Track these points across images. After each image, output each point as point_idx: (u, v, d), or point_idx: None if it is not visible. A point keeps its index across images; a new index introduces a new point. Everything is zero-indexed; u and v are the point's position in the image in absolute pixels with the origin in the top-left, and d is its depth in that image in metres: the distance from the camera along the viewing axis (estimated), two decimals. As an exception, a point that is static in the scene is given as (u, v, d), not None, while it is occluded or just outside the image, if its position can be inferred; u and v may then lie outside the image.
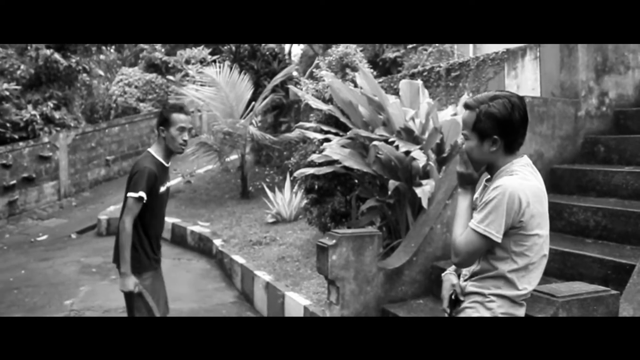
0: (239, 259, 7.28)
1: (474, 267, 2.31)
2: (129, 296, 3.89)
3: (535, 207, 2.15)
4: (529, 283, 2.22)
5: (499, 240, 2.14)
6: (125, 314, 4.63)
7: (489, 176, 2.35)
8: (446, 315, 2.39)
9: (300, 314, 5.30)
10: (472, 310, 2.27)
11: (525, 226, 2.15)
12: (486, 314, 2.23)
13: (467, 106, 2.28)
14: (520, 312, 2.27)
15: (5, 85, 12.33)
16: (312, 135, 6.70)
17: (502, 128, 2.20)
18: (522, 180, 2.16)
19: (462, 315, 2.32)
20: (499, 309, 2.22)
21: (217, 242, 8.36)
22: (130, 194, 3.70)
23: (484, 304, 2.24)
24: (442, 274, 2.52)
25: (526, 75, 6.75)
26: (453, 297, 2.38)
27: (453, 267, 2.51)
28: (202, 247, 8.88)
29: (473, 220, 2.20)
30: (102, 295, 6.78)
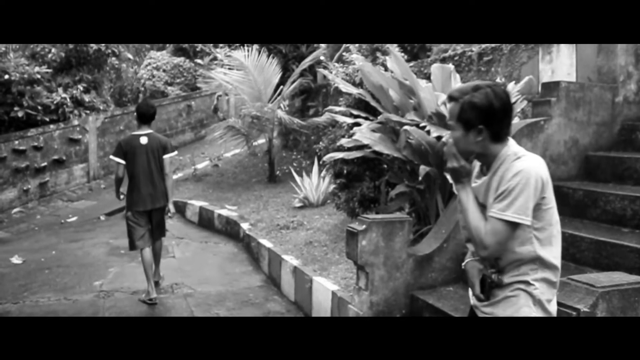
0: (266, 242, 7.28)
1: (501, 261, 2.28)
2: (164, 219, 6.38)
3: (550, 181, 2.22)
4: (556, 258, 2.26)
5: (529, 223, 2.15)
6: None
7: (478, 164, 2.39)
8: (481, 300, 2.33)
9: (328, 299, 5.28)
10: (515, 298, 2.25)
11: (546, 201, 2.20)
12: (530, 301, 2.23)
13: (450, 98, 2.29)
14: (554, 298, 2.31)
15: (36, 69, 12.45)
16: (341, 119, 6.64)
17: (486, 117, 2.22)
18: (537, 160, 2.21)
19: (504, 303, 2.27)
20: (542, 295, 2.24)
21: (245, 225, 8.37)
22: (175, 154, 6.40)
23: (528, 291, 2.23)
24: (464, 264, 2.50)
25: (561, 59, 6.58)
26: (488, 281, 2.31)
27: (470, 252, 2.48)
28: (230, 230, 8.90)
29: (495, 209, 2.18)
30: (131, 277, 6.84)
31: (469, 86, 2.26)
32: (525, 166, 2.15)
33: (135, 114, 6.48)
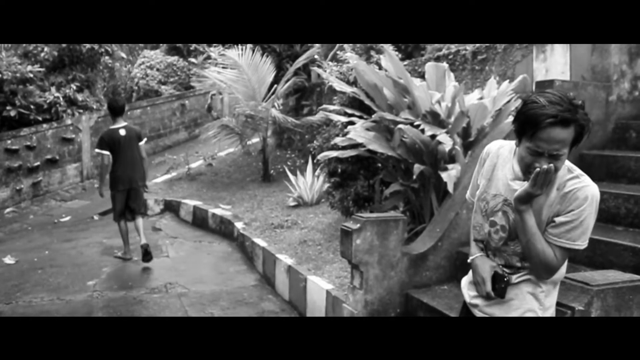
0: (260, 242, 7.26)
1: (518, 264, 2.25)
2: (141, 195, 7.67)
3: None
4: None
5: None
6: (148, 294, 4.78)
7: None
8: (492, 297, 2.27)
9: (322, 298, 5.27)
10: (519, 302, 2.23)
11: None
12: (535, 305, 2.22)
13: (567, 122, 2.01)
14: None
15: (29, 68, 12.37)
16: (335, 118, 6.63)
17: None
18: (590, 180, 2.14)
19: (507, 306, 2.26)
20: (547, 299, 2.23)
21: (239, 225, 8.35)
22: (145, 141, 7.68)
23: (535, 294, 2.22)
24: (471, 258, 2.41)
25: (555, 58, 6.58)
26: (505, 279, 2.25)
27: (476, 248, 2.42)
28: (224, 229, 8.88)
29: (565, 239, 2.10)
30: (124, 277, 6.82)
31: (575, 102, 2.05)
32: (593, 192, 2.08)
33: (108, 110, 7.57)
